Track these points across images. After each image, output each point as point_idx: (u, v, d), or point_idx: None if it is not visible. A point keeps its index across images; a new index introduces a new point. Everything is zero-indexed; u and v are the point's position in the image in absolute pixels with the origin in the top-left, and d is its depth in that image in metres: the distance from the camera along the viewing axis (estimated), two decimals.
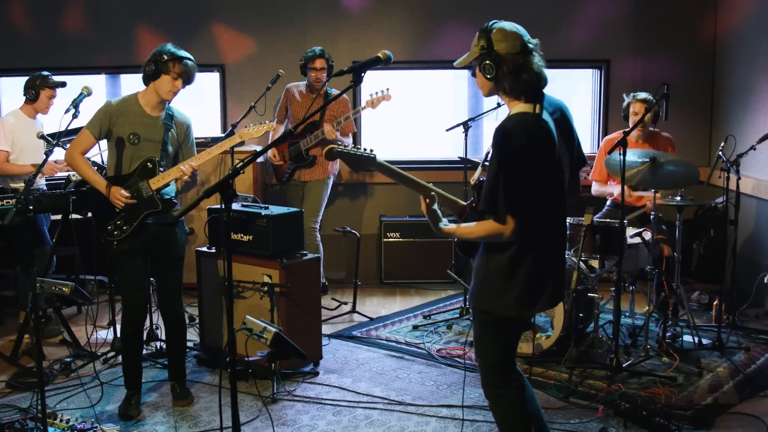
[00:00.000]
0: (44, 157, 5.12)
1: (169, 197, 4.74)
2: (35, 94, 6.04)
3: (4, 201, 5.86)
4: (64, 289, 3.98)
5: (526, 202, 3.12)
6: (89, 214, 6.01)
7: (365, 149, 3.24)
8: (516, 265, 3.24)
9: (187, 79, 4.62)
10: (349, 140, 7.13)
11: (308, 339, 5.38)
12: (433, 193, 3.35)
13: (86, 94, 5.33)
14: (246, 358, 4.05)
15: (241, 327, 3.30)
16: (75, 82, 6.14)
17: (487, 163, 3.31)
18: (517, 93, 3.25)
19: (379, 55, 3.37)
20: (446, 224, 3.34)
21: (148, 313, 5.14)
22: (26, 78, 6.19)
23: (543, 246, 3.29)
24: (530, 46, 3.32)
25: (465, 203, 3.51)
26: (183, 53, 4.61)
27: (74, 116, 5.17)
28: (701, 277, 7.53)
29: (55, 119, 6.09)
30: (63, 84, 6.16)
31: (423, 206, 3.35)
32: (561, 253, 3.46)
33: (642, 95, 6.09)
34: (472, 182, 3.44)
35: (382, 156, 3.38)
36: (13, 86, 8.37)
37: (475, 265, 3.41)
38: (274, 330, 3.22)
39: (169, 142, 4.72)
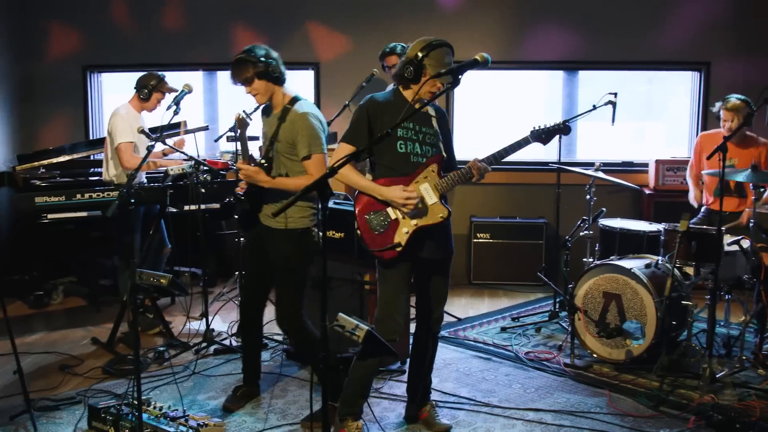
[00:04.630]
0: (146, 151, 5.26)
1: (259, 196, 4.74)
2: (148, 94, 6.19)
3: (105, 193, 6.11)
4: (162, 280, 4.13)
5: None
6: (185, 207, 6.22)
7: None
8: None
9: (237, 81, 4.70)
10: None
11: None
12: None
13: (187, 92, 5.50)
14: (338, 355, 4.12)
15: (334, 324, 3.37)
16: (173, 79, 6.32)
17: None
18: None
19: (477, 57, 3.42)
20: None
21: (261, 309, 5.04)
22: (130, 74, 6.33)
23: None
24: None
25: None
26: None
27: (175, 113, 5.33)
28: None
29: (156, 114, 6.29)
30: (175, 90, 6.20)
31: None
32: None
33: (732, 101, 5.99)
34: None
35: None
36: (115, 81, 8.68)
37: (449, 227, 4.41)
38: (366, 328, 3.28)
39: (279, 137, 4.61)
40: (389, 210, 4.10)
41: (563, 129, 4.15)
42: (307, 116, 4.55)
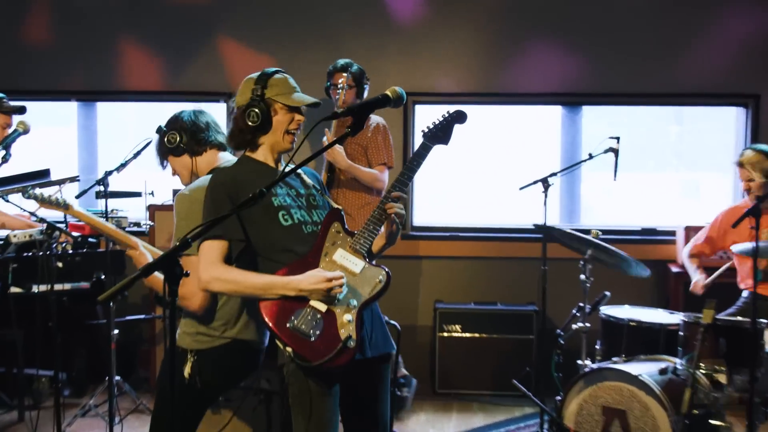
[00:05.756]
0: None
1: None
2: None
3: None
4: None
5: None
6: (34, 288, 6.07)
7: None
8: None
9: None
10: (380, 174, 6.86)
11: None
12: None
13: (21, 131, 5.42)
14: None
15: None
16: (38, 110, 6.24)
17: None
18: None
19: (388, 92, 3.44)
20: None
21: None
22: None
23: None
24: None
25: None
26: None
27: (4, 159, 5.24)
28: None
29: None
30: (21, 109, 6.18)
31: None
32: None
33: (745, 153, 6.13)
34: None
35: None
36: None
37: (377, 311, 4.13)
38: None
39: None
40: (313, 303, 3.85)
41: (457, 116, 4.17)
42: (177, 199, 4.34)
